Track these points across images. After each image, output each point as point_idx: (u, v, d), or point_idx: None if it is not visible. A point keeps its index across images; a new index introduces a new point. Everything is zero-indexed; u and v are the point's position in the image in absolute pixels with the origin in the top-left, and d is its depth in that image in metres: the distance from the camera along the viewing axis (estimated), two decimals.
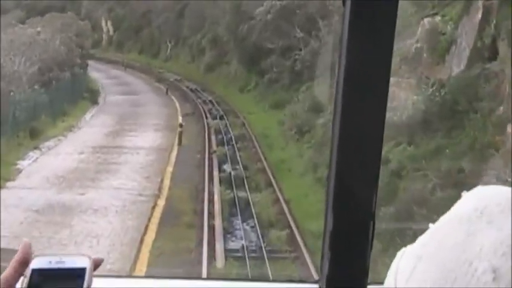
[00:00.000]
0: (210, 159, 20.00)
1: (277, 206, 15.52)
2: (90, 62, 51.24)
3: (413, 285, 0.77)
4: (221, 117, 27.97)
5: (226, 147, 21.95)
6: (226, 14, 36.29)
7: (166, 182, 17.39)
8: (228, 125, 26.08)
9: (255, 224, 14.42)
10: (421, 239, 0.81)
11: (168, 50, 50.58)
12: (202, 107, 31.41)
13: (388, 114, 1.51)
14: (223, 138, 23.59)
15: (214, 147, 22.08)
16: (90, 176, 17.52)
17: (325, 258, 1.58)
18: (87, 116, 29.20)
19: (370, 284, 1.59)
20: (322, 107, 21.10)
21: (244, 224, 14.64)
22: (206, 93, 36.03)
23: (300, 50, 29.98)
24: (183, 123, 23.56)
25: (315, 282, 1.66)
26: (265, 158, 19.94)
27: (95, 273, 0.92)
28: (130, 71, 48.98)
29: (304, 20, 29.96)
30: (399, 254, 0.83)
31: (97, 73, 45.70)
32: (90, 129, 25.65)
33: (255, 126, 25.50)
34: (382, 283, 0.82)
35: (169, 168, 19.04)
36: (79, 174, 17.67)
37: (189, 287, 1.87)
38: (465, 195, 0.82)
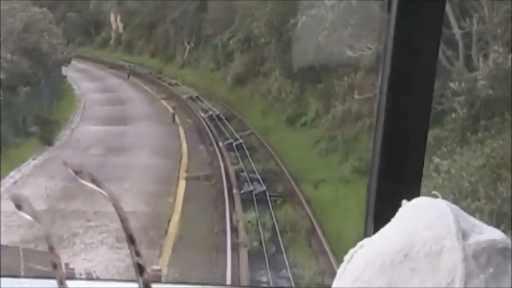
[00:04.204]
0: None
1: None
2: (87, 67, 40.61)
3: None
4: (259, 199, 13.46)
5: None
6: (268, 3, 25.71)
7: None
8: (278, 232, 11.49)
9: None
10: (353, 269, 0.76)
11: (186, 52, 39.12)
12: (225, 165, 16.91)
13: None
14: None
15: None
16: None
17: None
18: (4, 183, 15.02)
19: None
20: None
21: None
22: (234, 126, 22.56)
23: None
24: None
25: None
26: None
27: None
28: (134, 80, 36.65)
29: None
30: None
31: (89, 83, 34.07)
32: None
33: (339, 241, 11.21)
34: None
35: None
36: None
37: None
38: (404, 206, 0.78)
